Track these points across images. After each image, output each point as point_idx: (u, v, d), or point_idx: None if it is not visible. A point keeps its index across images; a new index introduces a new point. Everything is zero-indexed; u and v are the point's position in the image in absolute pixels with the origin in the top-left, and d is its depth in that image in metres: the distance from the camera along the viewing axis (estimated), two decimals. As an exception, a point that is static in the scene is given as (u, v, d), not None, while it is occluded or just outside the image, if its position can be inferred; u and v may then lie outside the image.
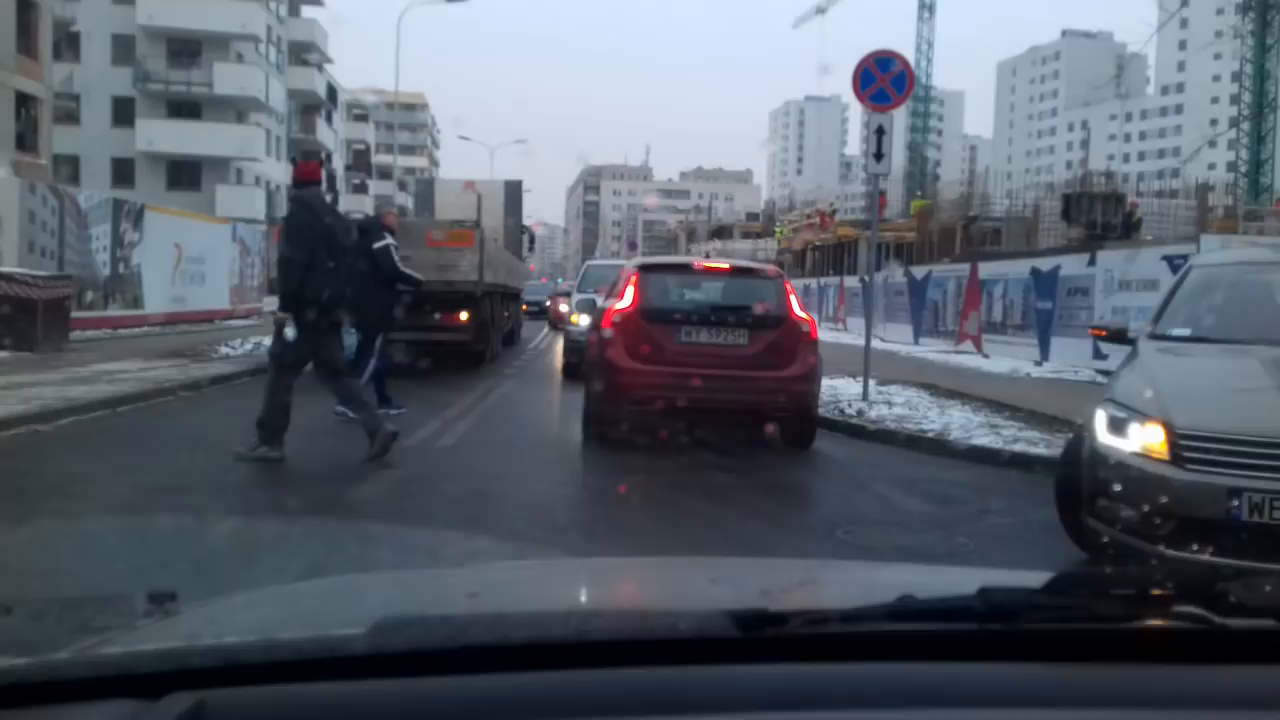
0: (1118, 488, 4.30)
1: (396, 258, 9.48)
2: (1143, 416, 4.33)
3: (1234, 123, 46.18)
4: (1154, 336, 5.35)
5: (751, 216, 70.26)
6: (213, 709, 0.88)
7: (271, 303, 19.35)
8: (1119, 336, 5.67)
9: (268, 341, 15.28)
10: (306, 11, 57.75)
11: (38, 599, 1.23)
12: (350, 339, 10.42)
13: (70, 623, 1.13)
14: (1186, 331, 5.27)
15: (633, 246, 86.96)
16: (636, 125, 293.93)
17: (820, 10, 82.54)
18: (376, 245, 9.36)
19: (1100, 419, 4.55)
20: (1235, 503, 3.95)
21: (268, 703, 0.91)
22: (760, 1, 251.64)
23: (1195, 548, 3.92)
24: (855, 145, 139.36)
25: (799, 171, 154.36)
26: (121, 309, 19.12)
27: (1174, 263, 11.30)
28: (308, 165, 7.30)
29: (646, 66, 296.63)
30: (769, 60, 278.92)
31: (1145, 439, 4.27)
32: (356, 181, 68.21)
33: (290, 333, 6.86)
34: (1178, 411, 4.27)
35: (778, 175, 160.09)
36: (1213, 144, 47.44)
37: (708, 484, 6.77)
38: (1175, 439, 4.16)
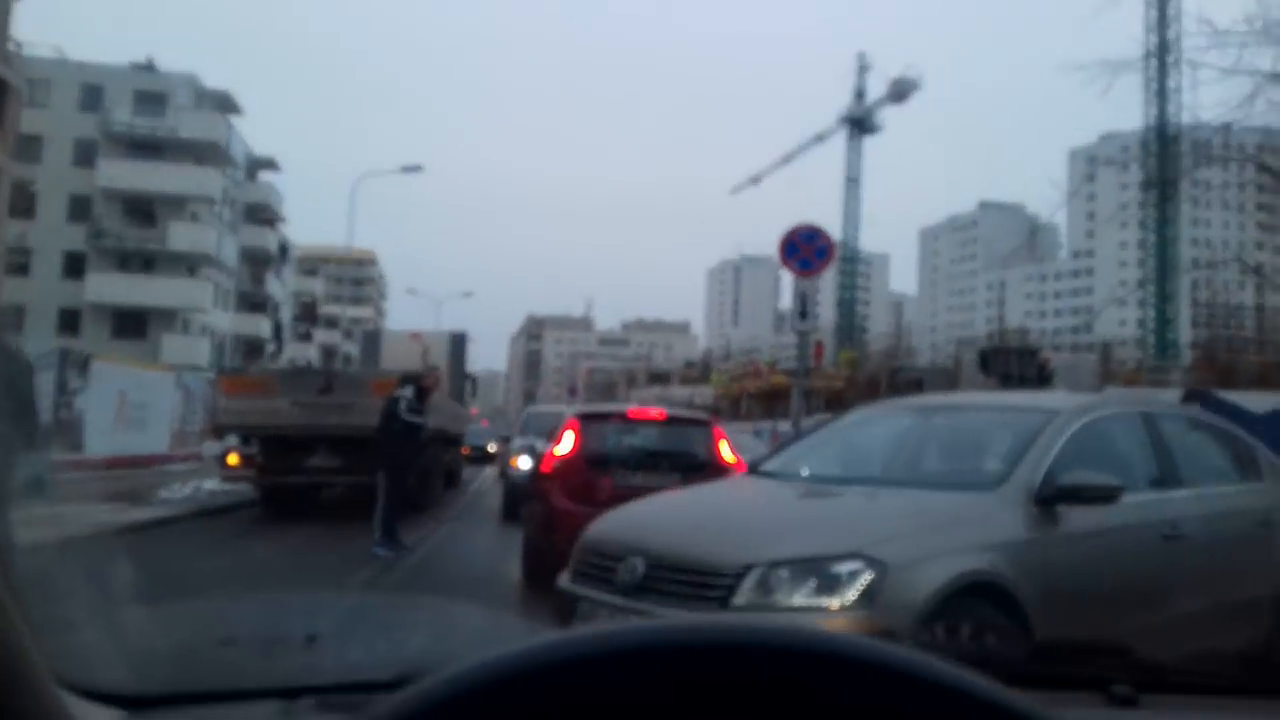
0: None
1: (403, 408, 10.52)
2: None
3: (1140, 284, 49.48)
4: (752, 471, 5.34)
5: (690, 365, 71.97)
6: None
7: (211, 448, 19.48)
8: (752, 470, 5.56)
9: (207, 485, 15.64)
10: (264, 175, 59.53)
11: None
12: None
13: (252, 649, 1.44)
14: (777, 467, 5.14)
15: (573, 392, 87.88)
16: (579, 277, 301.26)
17: (755, 180, 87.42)
18: (393, 394, 10.63)
19: None
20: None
21: None
22: (701, 168, 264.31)
23: None
24: (788, 300, 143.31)
25: (735, 323, 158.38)
26: (61, 453, 19.19)
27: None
28: None
29: (591, 223, 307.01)
30: (708, 220, 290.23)
31: None
32: (302, 331, 68.81)
33: None
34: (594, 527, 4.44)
35: (715, 326, 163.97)
36: (1122, 303, 50.52)
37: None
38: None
